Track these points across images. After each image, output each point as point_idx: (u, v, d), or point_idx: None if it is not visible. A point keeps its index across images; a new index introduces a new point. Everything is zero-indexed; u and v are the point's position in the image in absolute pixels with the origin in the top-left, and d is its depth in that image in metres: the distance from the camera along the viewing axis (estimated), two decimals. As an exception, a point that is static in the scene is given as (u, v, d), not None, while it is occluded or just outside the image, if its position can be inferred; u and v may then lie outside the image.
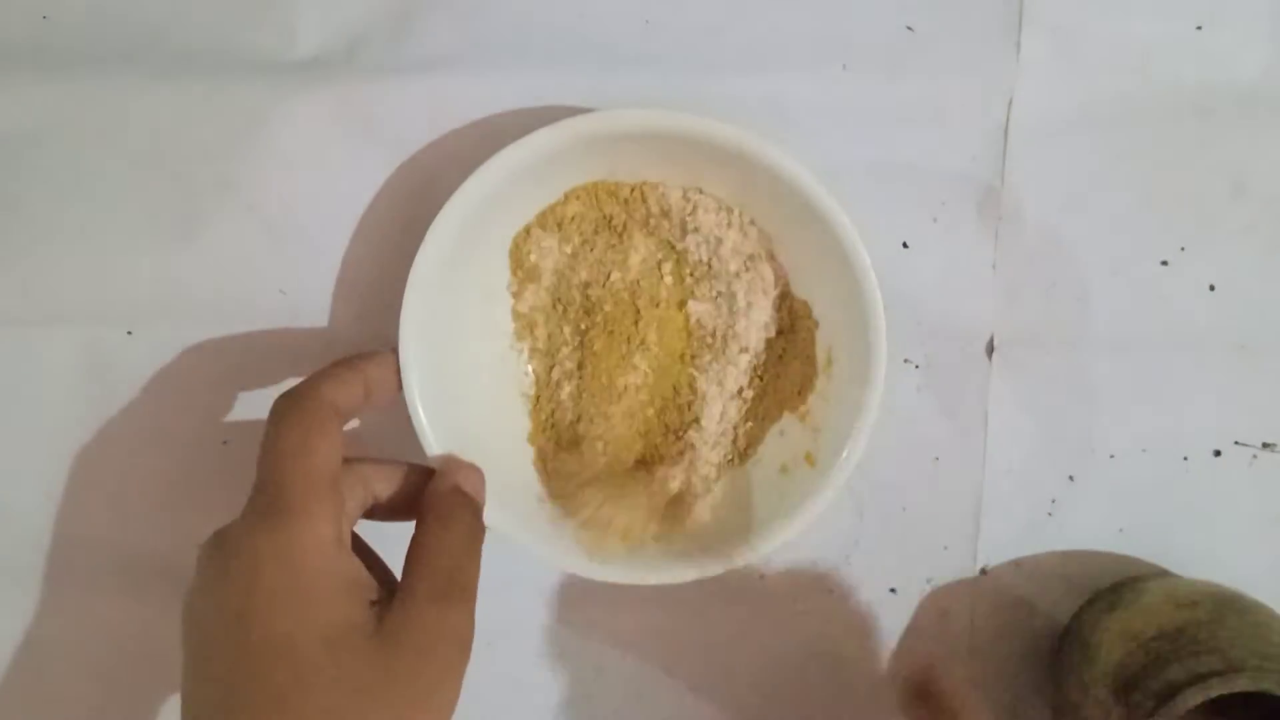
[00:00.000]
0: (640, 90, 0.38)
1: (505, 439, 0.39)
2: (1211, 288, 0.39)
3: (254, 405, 0.40)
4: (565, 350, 0.39)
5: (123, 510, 0.40)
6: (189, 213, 0.39)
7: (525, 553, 0.36)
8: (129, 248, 0.39)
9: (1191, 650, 0.34)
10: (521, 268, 0.38)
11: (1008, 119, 0.39)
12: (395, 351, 0.34)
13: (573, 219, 0.38)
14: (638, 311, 0.38)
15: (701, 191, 0.37)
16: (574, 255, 0.38)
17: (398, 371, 0.34)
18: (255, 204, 0.39)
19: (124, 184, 0.39)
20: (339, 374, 0.32)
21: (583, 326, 0.39)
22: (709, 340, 0.38)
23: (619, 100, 0.37)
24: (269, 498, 0.29)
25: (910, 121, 0.39)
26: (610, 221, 0.38)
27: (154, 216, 0.39)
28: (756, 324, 0.38)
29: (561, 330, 0.39)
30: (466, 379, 0.37)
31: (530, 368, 0.39)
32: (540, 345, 0.39)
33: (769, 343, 0.38)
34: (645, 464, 0.39)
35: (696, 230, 0.38)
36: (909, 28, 0.39)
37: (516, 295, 0.39)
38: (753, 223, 0.37)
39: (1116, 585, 0.39)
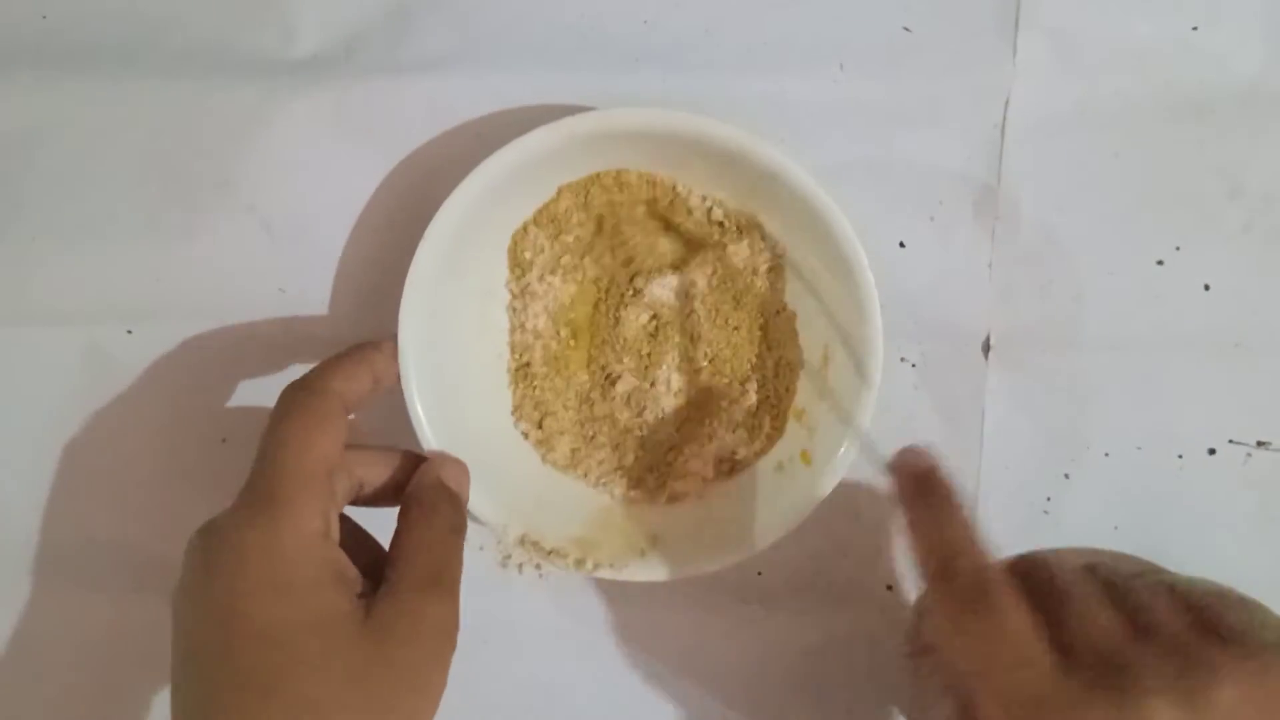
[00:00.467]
0: (638, 90, 0.38)
1: (502, 434, 0.39)
2: (1207, 287, 0.40)
3: (253, 404, 0.40)
4: (561, 347, 0.39)
5: (121, 508, 0.41)
6: (188, 212, 0.39)
7: (519, 548, 0.36)
8: (129, 247, 0.39)
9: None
10: (519, 265, 0.38)
11: (1004, 119, 0.39)
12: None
13: (568, 216, 0.38)
14: (635, 312, 0.38)
15: (698, 189, 0.38)
16: (572, 252, 0.38)
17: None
18: (254, 203, 0.39)
19: (123, 183, 0.39)
20: (346, 366, 0.32)
21: (580, 324, 0.39)
22: (704, 341, 0.39)
23: (618, 100, 0.37)
24: (259, 489, 0.29)
25: (907, 121, 0.39)
26: (607, 218, 0.38)
27: (153, 216, 0.39)
28: (749, 331, 0.39)
29: (558, 328, 0.39)
30: (464, 375, 0.38)
31: (528, 364, 0.39)
32: (538, 342, 0.39)
33: (760, 352, 0.39)
34: (640, 467, 0.39)
35: (692, 223, 0.38)
36: (906, 28, 0.39)
37: (515, 293, 0.39)
38: (757, 226, 0.38)
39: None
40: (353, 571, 0.30)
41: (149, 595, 0.40)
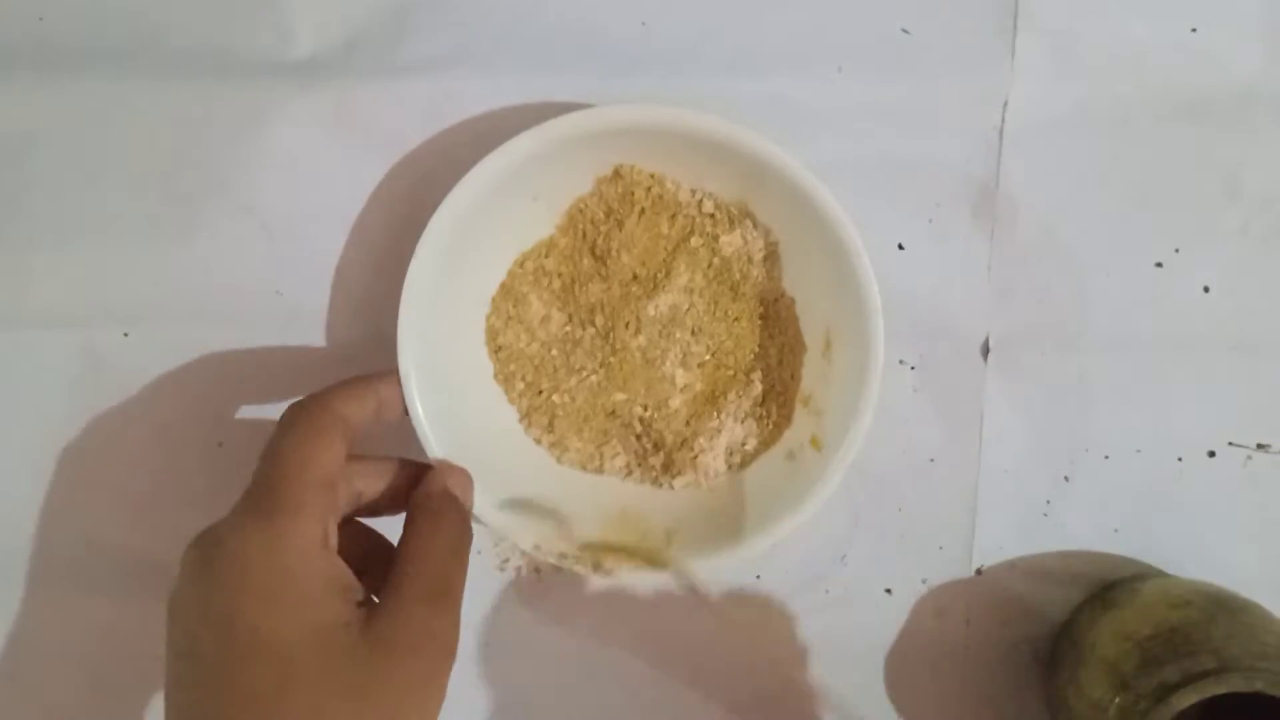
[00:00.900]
0: (637, 92, 0.38)
1: (510, 439, 0.39)
2: (1206, 289, 0.40)
3: (250, 406, 0.40)
4: (564, 347, 0.39)
5: (118, 511, 0.40)
6: (186, 214, 0.39)
7: (524, 551, 0.36)
8: (126, 249, 0.39)
9: (1186, 650, 0.34)
10: (521, 265, 0.38)
11: (1003, 121, 0.39)
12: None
13: (570, 214, 0.38)
14: (634, 310, 0.38)
15: (687, 183, 0.38)
16: (573, 251, 0.38)
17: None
18: (252, 205, 0.39)
19: (121, 185, 0.39)
20: (351, 388, 0.33)
21: (582, 323, 0.39)
22: (705, 335, 0.39)
23: (616, 102, 0.37)
24: (259, 497, 0.29)
25: (905, 123, 0.39)
26: (608, 215, 0.38)
27: (151, 217, 0.39)
28: (749, 322, 0.39)
29: (562, 328, 0.39)
30: (468, 381, 0.38)
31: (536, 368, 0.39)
32: (540, 341, 0.39)
33: (761, 343, 0.39)
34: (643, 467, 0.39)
35: (693, 222, 0.38)
36: (904, 30, 0.39)
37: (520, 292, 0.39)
38: (748, 215, 0.38)
39: (1111, 585, 0.40)
40: (352, 580, 0.30)
41: (145, 598, 0.40)
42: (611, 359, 0.39)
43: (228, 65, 0.38)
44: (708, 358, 0.39)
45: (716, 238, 0.38)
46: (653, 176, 0.37)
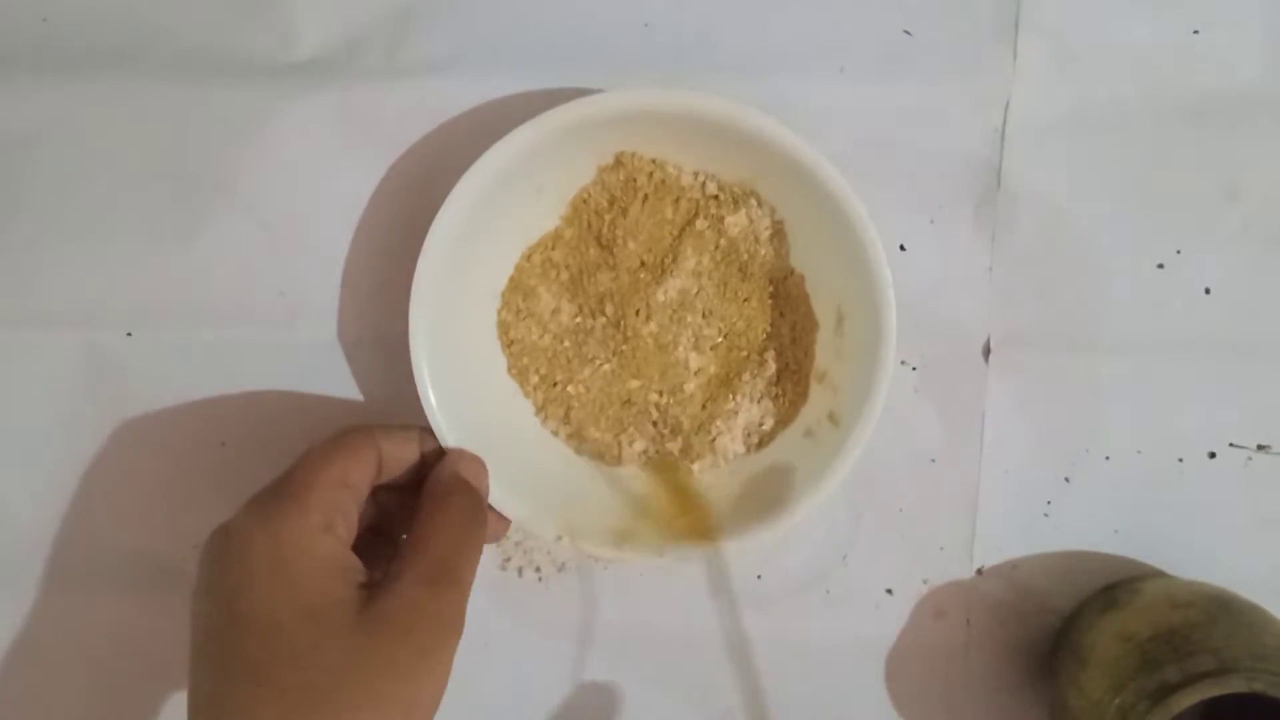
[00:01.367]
0: (638, 93, 0.38)
1: (527, 432, 0.39)
2: (1207, 290, 0.40)
3: (252, 407, 0.40)
4: (575, 338, 0.39)
5: (120, 511, 0.41)
6: (188, 214, 0.39)
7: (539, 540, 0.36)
8: (128, 249, 0.39)
9: (1186, 651, 0.34)
10: (528, 259, 0.39)
11: (1004, 122, 0.39)
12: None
13: (574, 205, 0.38)
14: (643, 297, 0.38)
15: (689, 166, 0.38)
16: (579, 242, 0.38)
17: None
18: (254, 206, 0.39)
19: (123, 186, 0.39)
20: (397, 431, 0.34)
21: (592, 313, 0.39)
22: (717, 317, 0.39)
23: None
24: (272, 489, 0.31)
25: (907, 124, 0.39)
26: (612, 204, 0.38)
27: (153, 218, 0.39)
28: (760, 304, 0.39)
29: (572, 319, 0.39)
30: (482, 375, 0.38)
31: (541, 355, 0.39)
32: (552, 334, 0.39)
33: (773, 325, 0.39)
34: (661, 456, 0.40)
35: (697, 205, 0.38)
36: (906, 31, 0.39)
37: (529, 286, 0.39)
38: (753, 195, 0.38)
39: (1112, 586, 0.40)
40: (354, 562, 0.30)
41: (148, 598, 0.40)
42: (624, 347, 0.39)
43: (230, 66, 0.39)
44: (720, 340, 0.39)
45: (722, 219, 0.38)
46: (654, 162, 0.37)
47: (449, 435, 0.35)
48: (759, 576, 0.41)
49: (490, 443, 0.36)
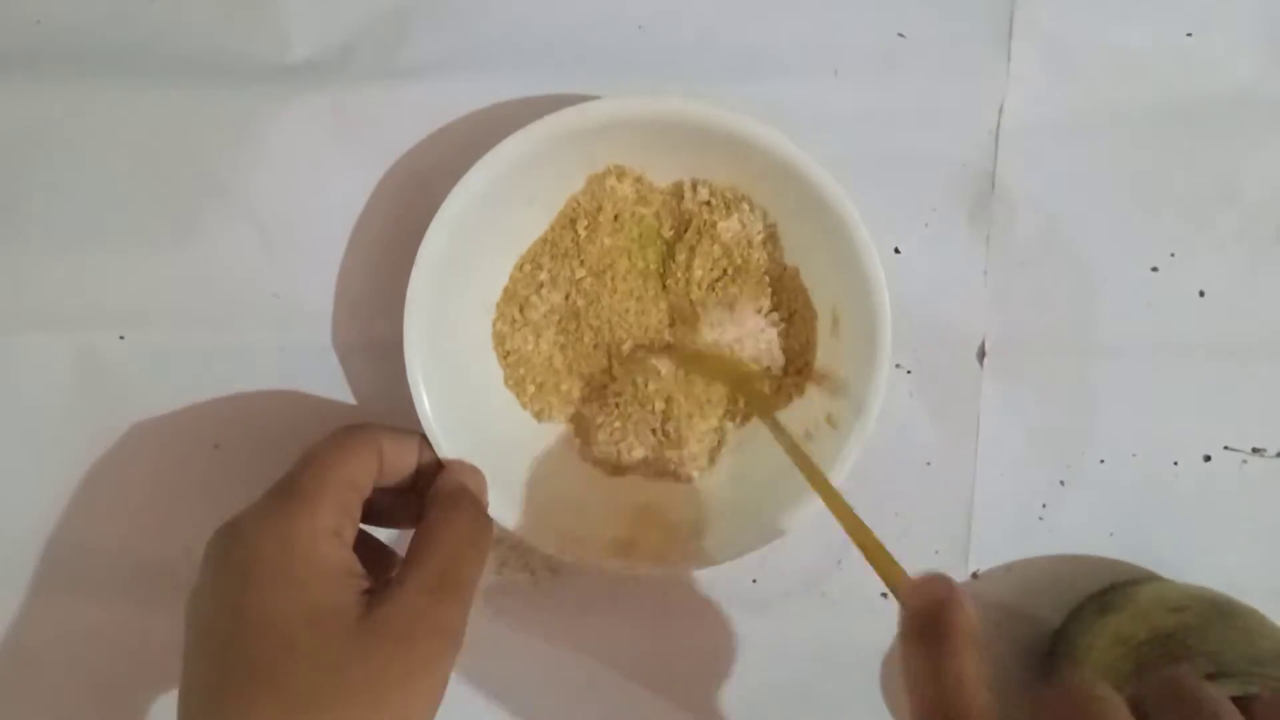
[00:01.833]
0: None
1: (520, 441, 0.39)
2: (1201, 293, 0.40)
3: (246, 410, 0.40)
4: (569, 347, 0.39)
5: (114, 514, 0.40)
6: (183, 217, 0.39)
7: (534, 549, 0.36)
8: (122, 252, 0.39)
9: (1181, 654, 0.34)
10: (520, 269, 0.38)
11: (999, 125, 0.39)
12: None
13: (563, 214, 0.38)
14: (638, 304, 0.38)
15: (692, 176, 0.38)
16: (569, 252, 0.38)
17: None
18: (249, 208, 0.39)
19: (117, 189, 0.39)
20: (399, 435, 0.34)
21: (587, 317, 0.39)
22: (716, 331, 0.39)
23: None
24: (280, 489, 0.31)
25: (902, 127, 0.39)
26: (599, 212, 0.38)
27: (148, 221, 0.39)
28: (754, 309, 0.39)
29: (566, 329, 0.39)
30: (476, 385, 0.38)
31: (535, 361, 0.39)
32: (547, 343, 0.39)
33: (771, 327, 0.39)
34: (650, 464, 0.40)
35: (689, 211, 0.38)
36: (901, 34, 0.39)
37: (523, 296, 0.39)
38: (744, 199, 0.38)
39: (1107, 589, 0.40)
40: (358, 568, 0.30)
41: (142, 600, 0.40)
42: (620, 355, 0.39)
43: (225, 69, 0.38)
44: (719, 342, 0.39)
45: (714, 224, 0.38)
46: (641, 171, 0.37)
47: (446, 446, 0.35)
48: (754, 581, 0.41)
49: (487, 453, 0.36)
